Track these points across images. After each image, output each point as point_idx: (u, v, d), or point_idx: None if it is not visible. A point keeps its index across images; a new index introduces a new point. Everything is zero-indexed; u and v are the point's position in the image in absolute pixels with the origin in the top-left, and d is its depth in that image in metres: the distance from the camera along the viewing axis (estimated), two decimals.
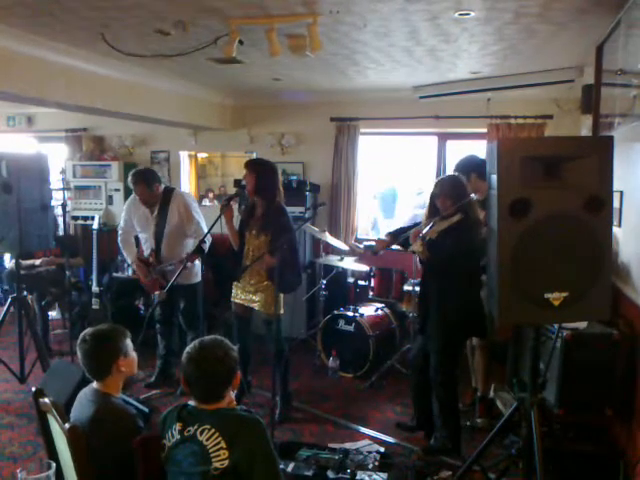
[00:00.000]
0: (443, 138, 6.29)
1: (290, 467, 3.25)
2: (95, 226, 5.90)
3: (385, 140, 6.83)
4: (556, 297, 2.21)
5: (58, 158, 7.24)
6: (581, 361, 3.05)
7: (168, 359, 4.78)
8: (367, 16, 3.41)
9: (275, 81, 5.53)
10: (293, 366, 4.52)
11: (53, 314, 6.30)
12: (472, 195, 3.80)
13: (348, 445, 3.67)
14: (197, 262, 4.57)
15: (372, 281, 5.66)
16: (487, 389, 4.13)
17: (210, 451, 1.96)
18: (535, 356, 2.52)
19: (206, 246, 4.25)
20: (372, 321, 5.13)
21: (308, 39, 3.48)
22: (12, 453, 3.65)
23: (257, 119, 6.73)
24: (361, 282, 6.01)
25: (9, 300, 4.61)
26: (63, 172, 6.95)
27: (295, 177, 6.33)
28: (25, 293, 4.74)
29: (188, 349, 2.12)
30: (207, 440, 1.98)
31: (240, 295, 4.18)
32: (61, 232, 5.89)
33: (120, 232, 4.73)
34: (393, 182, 7.90)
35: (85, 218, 6.88)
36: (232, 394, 2.19)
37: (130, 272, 5.98)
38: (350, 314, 5.13)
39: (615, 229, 3.02)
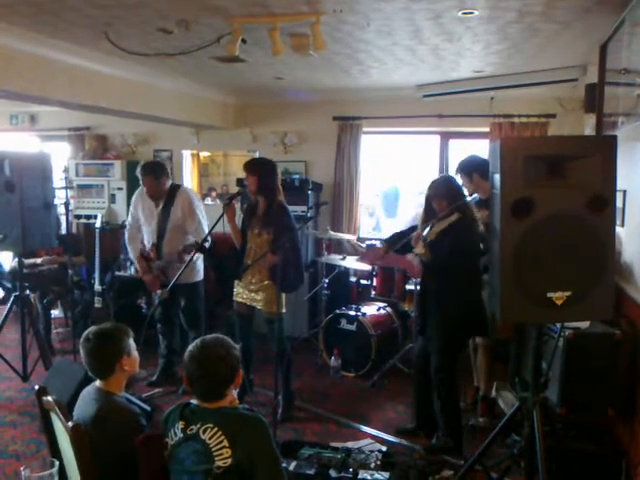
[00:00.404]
0: (446, 137, 6.28)
1: (292, 466, 3.25)
2: (98, 225, 5.90)
3: (388, 139, 6.82)
4: (559, 296, 2.21)
5: (61, 157, 7.24)
6: (583, 360, 3.05)
7: (170, 358, 4.79)
8: (370, 15, 3.41)
9: (278, 80, 5.53)
10: (295, 365, 4.52)
11: (55, 312, 6.31)
12: (475, 195, 3.83)
13: (350, 444, 3.67)
14: (199, 261, 4.57)
15: (374, 280, 5.65)
16: (489, 388, 4.13)
17: (213, 450, 1.96)
18: (537, 355, 2.52)
19: (207, 244, 4.24)
20: (374, 320, 5.13)
21: (311, 38, 3.48)
22: (15, 451, 3.65)
23: (260, 118, 6.73)
24: (363, 281, 6.02)
25: (12, 298, 4.62)
26: (66, 171, 6.92)
27: (297, 176, 6.32)
28: (28, 292, 4.74)
29: (190, 347, 2.13)
30: (210, 439, 1.98)
31: (242, 294, 4.18)
32: (64, 231, 5.88)
33: (127, 228, 4.80)
34: (395, 181, 7.89)
35: (88, 217, 6.88)
36: (234, 393, 2.20)
37: (132, 271, 5.99)
38: (352, 313, 5.14)
39: (618, 228, 3.01)
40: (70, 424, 2.02)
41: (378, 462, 3.40)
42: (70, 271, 5.30)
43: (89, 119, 7.00)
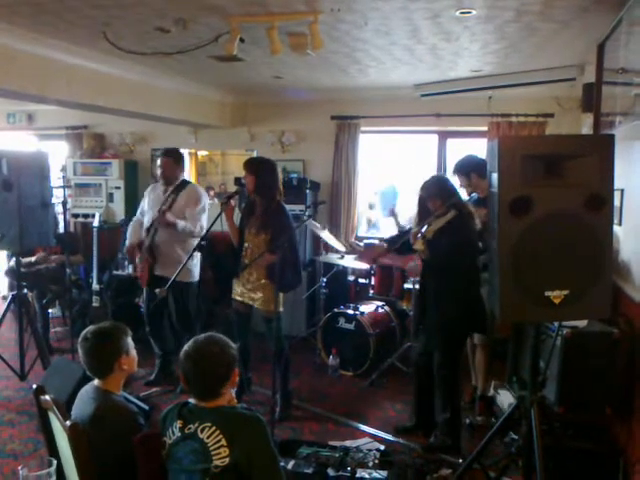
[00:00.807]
0: (444, 136, 6.29)
1: (290, 465, 3.25)
2: (95, 224, 5.89)
3: (385, 138, 6.83)
4: (557, 295, 2.21)
5: (58, 155, 7.24)
6: (581, 359, 3.05)
7: (166, 358, 4.78)
8: (368, 14, 3.41)
9: (276, 79, 5.53)
10: (293, 364, 4.51)
11: (53, 311, 6.30)
12: (473, 194, 3.84)
13: (348, 443, 3.67)
14: (194, 262, 4.54)
15: (372, 279, 5.66)
16: (487, 387, 4.14)
17: (211, 449, 1.96)
18: (535, 354, 2.53)
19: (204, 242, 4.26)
20: (372, 319, 5.14)
21: (309, 37, 3.48)
22: (13, 450, 3.65)
23: (258, 117, 6.73)
24: (361, 280, 6.02)
25: (10, 297, 4.62)
26: (64, 170, 6.95)
27: (295, 175, 6.33)
28: (25, 291, 4.73)
29: (186, 347, 2.14)
30: (208, 438, 1.98)
31: (240, 292, 4.18)
32: (61, 230, 5.89)
33: (134, 219, 4.86)
34: (393, 180, 7.90)
35: (85, 216, 6.88)
36: (232, 392, 2.20)
37: (130, 270, 5.99)
38: (350, 312, 5.14)
39: (616, 227, 3.01)
40: (68, 423, 2.02)
41: (376, 461, 3.39)
42: (68, 270, 5.29)
43: (87, 118, 7.00)
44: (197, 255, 4.50)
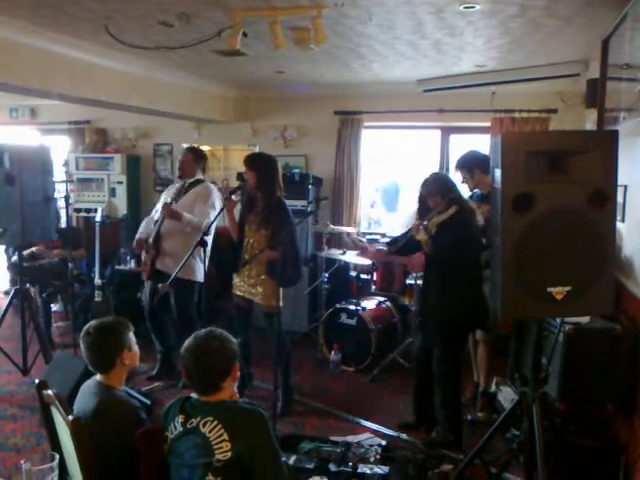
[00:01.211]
0: (446, 132, 6.27)
1: (292, 460, 3.25)
2: (98, 218, 5.89)
3: (388, 134, 6.81)
4: (559, 291, 2.21)
5: (61, 150, 7.24)
6: (583, 356, 3.05)
7: (168, 353, 4.78)
8: (372, 9, 3.40)
9: (279, 74, 5.52)
10: (295, 359, 4.52)
11: (56, 306, 6.32)
12: (476, 190, 3.83)
13: (350, 438, 3.67)
14: (197, 261, 4.49)
15: (374, 275, 5.66)
16: (489, 383, 4.14)
17: (213, 443, 1.97)
18: (537, 350, 2.53)
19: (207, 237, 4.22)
20: (374, 315, 5.13)
21: (312, 32, 3.47)
22: (15, 444, 3.66)
23: (260, 112, 6.71)
24: (363, 276, 6.02)
25: (12, 292, 4.63)
26: (66, 164, 6.95)
27: (297, 170, 6.31)
28: (28, 285, 4.74)
29: (186, 342, 2.15)
30: (210, 432, 1.98)
31: (241, 287, 4.18)
32: (64, 224, 5.88)
33: (149, 215, 4.88)
34: (396, 176, 7.89)
35: (88, 210, 6.88)
36: (234, 387, 2.20)
37: (133, 264, 5.99)
38: (352, 308, 5.14)
39: (619, 224, 3.00)
40: (70, 418, 2.02)
41: (377, 456, 3.41)
42: (70, 265, 5.30)
43: (89, 112, 6.99)
44: (201, 255, 4.44)
